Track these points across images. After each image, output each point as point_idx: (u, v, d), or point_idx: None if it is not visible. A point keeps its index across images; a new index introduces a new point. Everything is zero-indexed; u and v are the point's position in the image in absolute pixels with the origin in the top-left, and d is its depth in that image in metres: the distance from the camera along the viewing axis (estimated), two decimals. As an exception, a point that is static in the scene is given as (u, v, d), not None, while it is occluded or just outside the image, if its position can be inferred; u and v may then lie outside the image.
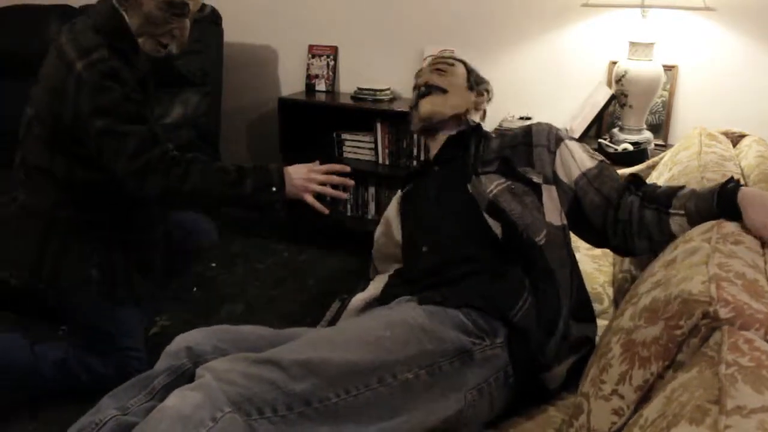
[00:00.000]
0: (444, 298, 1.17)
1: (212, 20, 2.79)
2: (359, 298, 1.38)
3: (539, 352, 1.15)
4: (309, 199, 1.44)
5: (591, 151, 1.37)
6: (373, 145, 2.86)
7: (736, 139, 1.71)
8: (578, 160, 1.32)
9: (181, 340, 1.12)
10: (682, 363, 0.80)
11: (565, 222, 1.31)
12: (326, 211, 1.44)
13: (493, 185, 1.31)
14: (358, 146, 2.90)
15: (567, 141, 1.35)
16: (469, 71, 1.55)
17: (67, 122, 1.46)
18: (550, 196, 1.31)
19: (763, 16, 2.26)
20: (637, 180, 1.28)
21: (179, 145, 2.46)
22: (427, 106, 1.47)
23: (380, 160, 2.85)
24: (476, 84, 1.54)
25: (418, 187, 1.48)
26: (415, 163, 2.78)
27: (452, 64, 1.53)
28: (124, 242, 1.65)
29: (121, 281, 1.65)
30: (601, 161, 1.33)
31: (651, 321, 0.86)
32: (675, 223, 1.14)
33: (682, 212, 1.13)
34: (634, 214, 1.21)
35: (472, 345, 1.10)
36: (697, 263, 0.89)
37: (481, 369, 1.10)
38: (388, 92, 2.78)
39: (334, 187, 1.49)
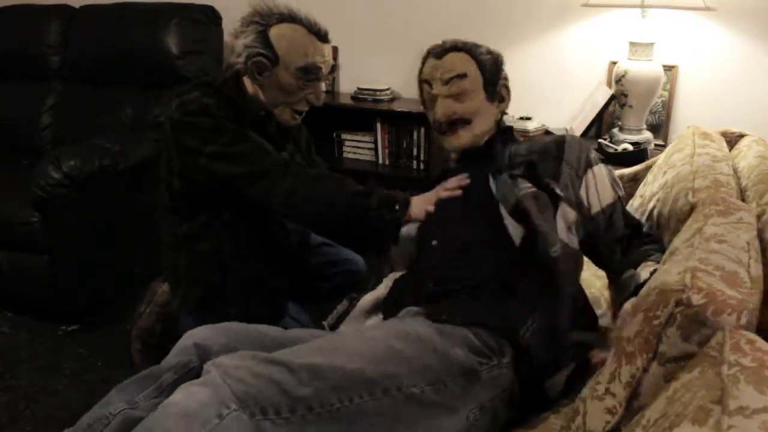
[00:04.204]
0: (451, 315, 1.14)
1: (212, 21, 2.80)
2: (367, 299, 1.37)
3: (543, 369, 1.14)
4: (431, 208, 1.38)
5: (613, 178, 1.35)
6: (372, 145, 2.86)
7: (735, 139, 1.70)
8: (601, 192, 1.31)
9: (190, 336, 1.11)
10: (664, 354, 0.80)
11: (577, 246, 1.29)
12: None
13: (520, 188, 1.27)
14: (358, 146, 2.90)
15: (595, 168, 1.32)
16: (481, 67, 1.39)
17: (177, 165, 1.46)
18: (564, 216, 1.27)
19: (763, 16, 2.26)
20: (632, 234, 1.32)
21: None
22: (454, 143, 1.40)
23: (380, 160, 2.85)
24: (493, 85, 1.41)
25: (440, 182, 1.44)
26: (415, 163, 2.78)
27: (465, 75, 1.37)
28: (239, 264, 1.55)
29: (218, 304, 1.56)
30: (619, 197, 1.33)
31: (632, 314, 0.87)
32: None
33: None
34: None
35: (479, 365, 1.08)
36: (679, 261, 0.91)
37: (487, 388, 1.09)
38: (388, 92, 2.78)
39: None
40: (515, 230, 1.24)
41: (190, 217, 1.51)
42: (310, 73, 1.45)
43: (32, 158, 2.54)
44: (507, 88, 1.45)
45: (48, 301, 2.26)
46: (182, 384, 0.95)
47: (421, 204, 1.39)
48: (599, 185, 1.31)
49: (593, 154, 1.35)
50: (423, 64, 1.45)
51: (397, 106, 2.70)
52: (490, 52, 1.43)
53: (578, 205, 1.30)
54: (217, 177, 1.41)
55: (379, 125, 2.79)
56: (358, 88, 2.80)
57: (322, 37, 1.47)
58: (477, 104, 1.39)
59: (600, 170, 1.33)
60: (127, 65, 2.77)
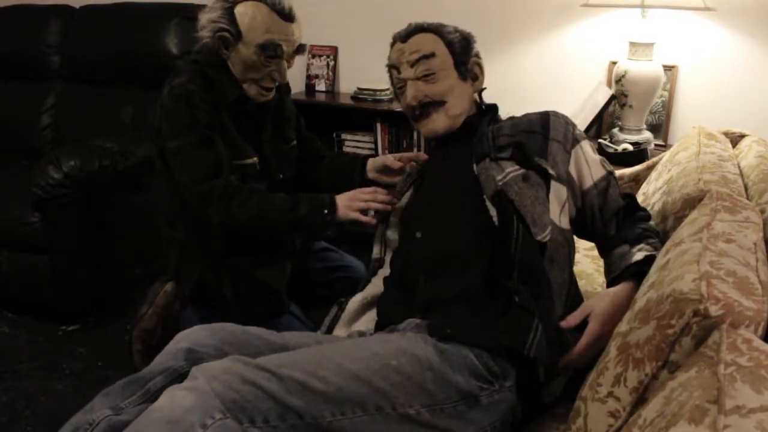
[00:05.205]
0: (455, 331, 1.09)
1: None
2: (356, 301, 1.34)
3: (546, 375, 1.10)
4: (355, 215, 1.44)
5: (600, 156, 1.34)
6: (372, 146, 2.85)
7: (736, 139, 1.70)
8: (592, 167, 1.28)
9: (183, 339, 1.08)
10: (675, 363, 0.79)
11: (568, 227, 1.25)
12: (373, 221, 1.44)
13: (505, 172, 1.22)
14: (357, 146, 2.90)
15: (582, 143, 1.29)
16: (449, 45, 1.36)
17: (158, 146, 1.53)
18: (556, 195, 1.23)
19: (763, 16, 2.26)
20: (629, 205, 1.30)
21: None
22: (430, 126, 1.34)
23: (380, 161, 2.84)
24: (464, 63, 1.36)
25: (424, 167, 1.41)
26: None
27: (432, 55, 1.33)
28: (234, 265, 1.60)
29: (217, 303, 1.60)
30: (610, 172, 1.30)
31: (644, 321, 0.86)
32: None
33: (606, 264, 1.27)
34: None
35: (479, 390, 1.04)
36: (689, 261, 0.89)
37: (486, 413, 1.05)
38: (388, 92, 2.78)
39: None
40: (496, 216, 1.19)
41: (181, 213, 1.55)
42: (268, 49, 1.48)
43: (32, 158, 2.54)
44: (480, 65, 1.40)
45: (48, 301, 2.25)
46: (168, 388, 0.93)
47: (344, 205, 1.44)
48: (588, 159, 1.29)
49: (578, 130, 1.32)
50: (390, 50, 1.43)
51: (397, 107, 2.69)
52: (458, 30, 1.41)
53: (568, 181, 1.26)
54: (172, 173, 1.49)
55: (379, 125, 2.79)
56: (358, 88, 2.80)
57: (285, 15, 1.49)
58: (449, 84, 1.34)
59: (588, 147, 1.31)
60: (127, 65, 2.77)
